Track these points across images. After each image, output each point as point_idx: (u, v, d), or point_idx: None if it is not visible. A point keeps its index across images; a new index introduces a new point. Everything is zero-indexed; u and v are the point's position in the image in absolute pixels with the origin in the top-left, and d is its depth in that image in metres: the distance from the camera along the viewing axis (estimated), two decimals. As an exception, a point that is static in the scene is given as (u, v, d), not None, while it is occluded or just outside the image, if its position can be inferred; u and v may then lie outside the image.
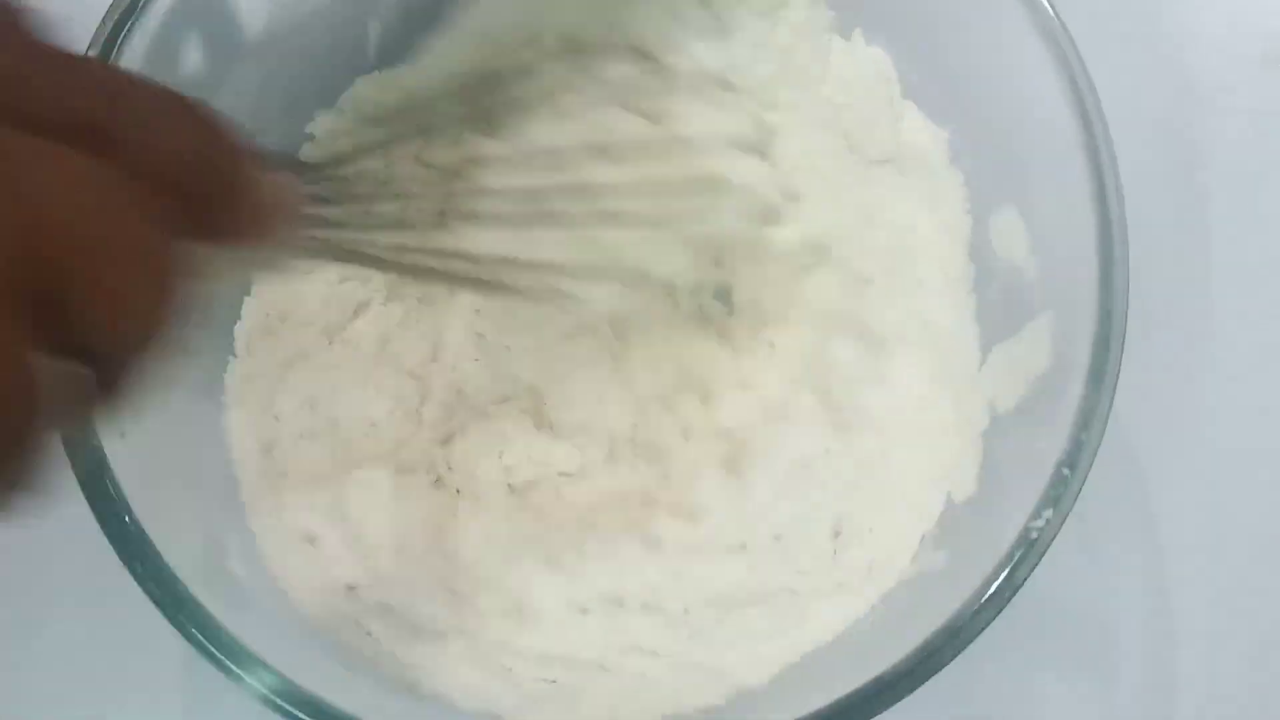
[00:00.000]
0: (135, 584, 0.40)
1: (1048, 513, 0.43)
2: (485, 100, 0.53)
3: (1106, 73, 0.46)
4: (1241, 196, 0.60)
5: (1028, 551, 0.43)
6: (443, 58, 0.55)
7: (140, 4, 0.44)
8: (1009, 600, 0.43)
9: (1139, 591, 0.56)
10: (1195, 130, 0.61)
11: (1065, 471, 0.44)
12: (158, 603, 0.40)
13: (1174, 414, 0.58)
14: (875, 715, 0.41)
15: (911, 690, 0.42)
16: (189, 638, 0.40)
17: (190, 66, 0.48)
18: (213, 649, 0.40)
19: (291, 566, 0.48)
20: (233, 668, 0.40)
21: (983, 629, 0.42)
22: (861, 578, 0.49)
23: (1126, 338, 0.44)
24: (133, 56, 0.44)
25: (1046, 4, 0.46)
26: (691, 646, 0.49)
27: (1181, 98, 0.61)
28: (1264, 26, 0.62)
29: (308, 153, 0.55)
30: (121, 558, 0.41)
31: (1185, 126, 0.61)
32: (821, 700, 0.41)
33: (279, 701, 0.40)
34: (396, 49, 0.55)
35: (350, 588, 0.49)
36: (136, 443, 0.42)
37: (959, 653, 0.42)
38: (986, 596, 0.43)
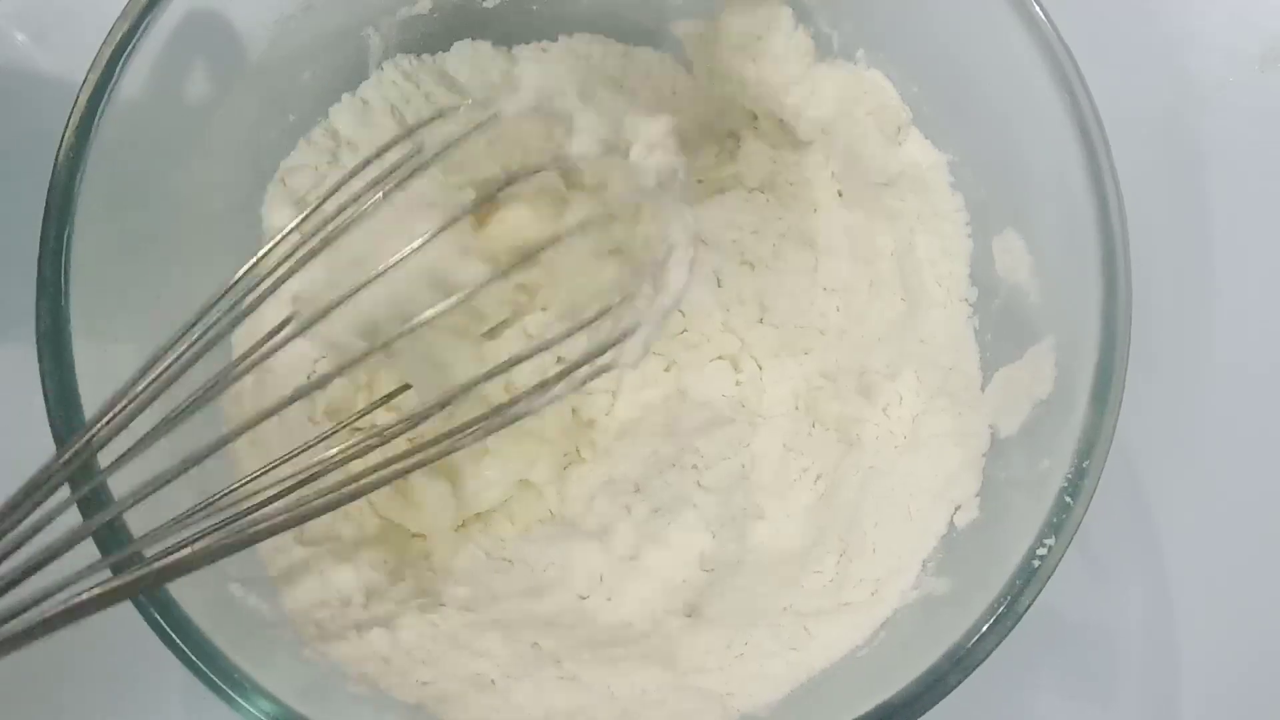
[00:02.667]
0: (137, 611, 0.40)
1: (1050, 540, 0.43)
2: None
3: (1106, 73, 0.46)
4: (1242, 197, 0.60)
5: (1030, 579, 0.43)
6: None
7: (143, 25, 0.44)
8: (1012, 628, 0.43)
9: (1141, 611, 0.56)
10: (1195, 130, 0.61)
11: (1068, 499, 0.44)
12: (158, 630, 0.40)
13: (1175, 433, 0.58)
14: (880, 742, 0.41)
15: (918, 716, 0.42)
16: (189, 665, 0.40)
17: (192, 84, 0.47)
18: (213, 676, 0.40)
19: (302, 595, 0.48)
20: (233, 695, 0.40)
21: (986, 656, 0.43)
22: (865, 599, 0.49)
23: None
24: (137, 74, 0.44)
25: (1049, 26, 0.46)
26: (696, 668, 0.49)
27: (1181, 98, 0.61)
28: (1264, 26, 0.62)
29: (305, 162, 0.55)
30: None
31: (1185, 126, 0.61)
32: (827, 727, 0.41)
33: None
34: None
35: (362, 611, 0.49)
36: (138, 468, 0.41)
37: (963, 680, 0.42)
38: (990, 624, 0.43)
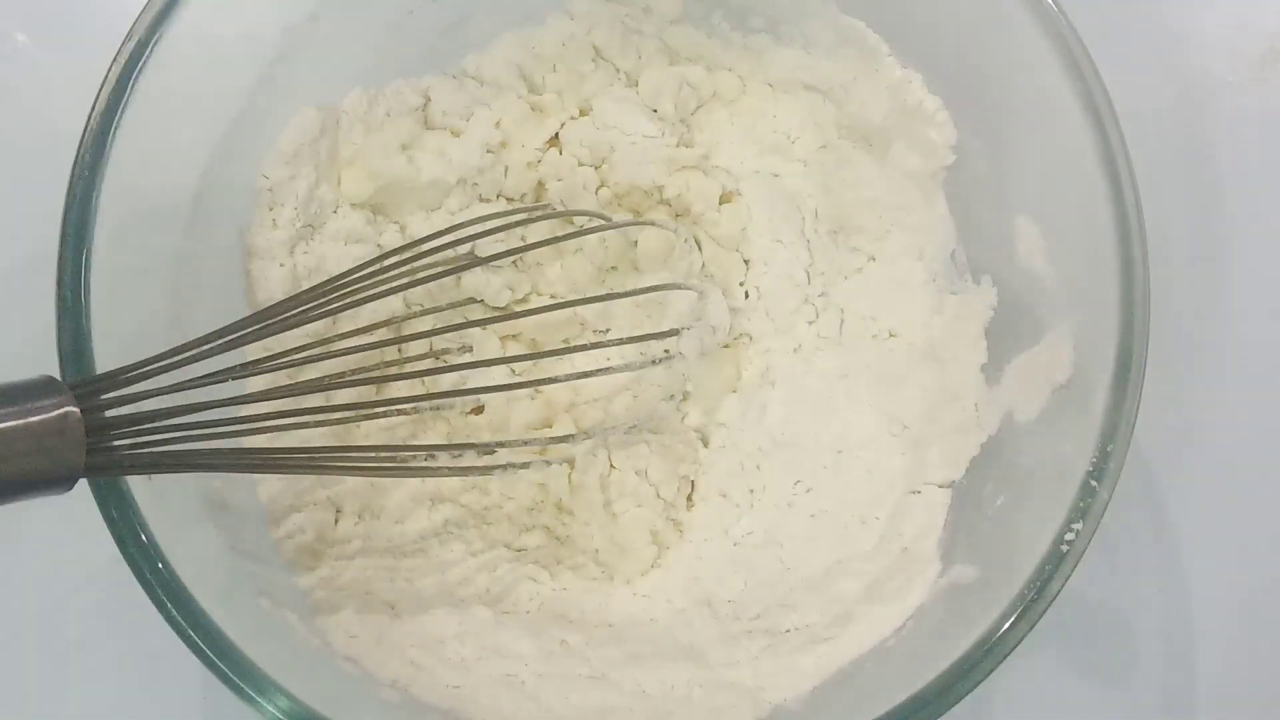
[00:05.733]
0: (157, 610, 0.40)
1: (1078, 525, 0.43)
2: None
3: (1106, 73, 0.46)
4: (1242, 197, 0.60)
5: (1060, 564, 0.43)
6: None
7: (152, 41, 0.44)
8: (1043, 614, 0.42)
9: (1157, 595, 0.56)
10: (1195, 130, 0.61)
11: (1093, 483, 0.43)
12: (177, 628, 0.40)
13: (1186, 419, 0.58)
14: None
15: (950, 706, 0.41)
16: (207, 663, 0.40)
17: (202, 98, 0.48)
18: (230, 673, 0.40)
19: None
20: (249, 692, 0.40)
21: (1017, 643, 0.42)
22: (892, 590, 0.49)
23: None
24: (146, 93, 0.44)
25: (1057, 10, 0.46)
26: (725, 661, 0.49)
27: (1181, 98, 0.61)
28: (1264, 26, 0.62)
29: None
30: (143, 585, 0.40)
31: (1185, 126, 0.61)
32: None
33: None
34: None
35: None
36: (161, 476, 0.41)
37: (995, 667, 0.42)
38: (1021, 610, 0.42)
